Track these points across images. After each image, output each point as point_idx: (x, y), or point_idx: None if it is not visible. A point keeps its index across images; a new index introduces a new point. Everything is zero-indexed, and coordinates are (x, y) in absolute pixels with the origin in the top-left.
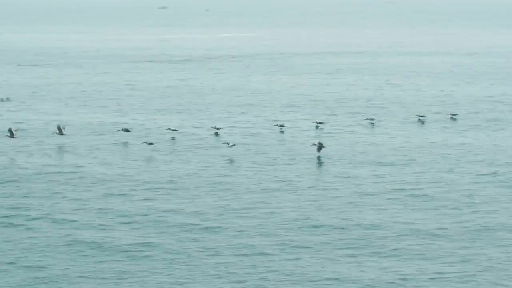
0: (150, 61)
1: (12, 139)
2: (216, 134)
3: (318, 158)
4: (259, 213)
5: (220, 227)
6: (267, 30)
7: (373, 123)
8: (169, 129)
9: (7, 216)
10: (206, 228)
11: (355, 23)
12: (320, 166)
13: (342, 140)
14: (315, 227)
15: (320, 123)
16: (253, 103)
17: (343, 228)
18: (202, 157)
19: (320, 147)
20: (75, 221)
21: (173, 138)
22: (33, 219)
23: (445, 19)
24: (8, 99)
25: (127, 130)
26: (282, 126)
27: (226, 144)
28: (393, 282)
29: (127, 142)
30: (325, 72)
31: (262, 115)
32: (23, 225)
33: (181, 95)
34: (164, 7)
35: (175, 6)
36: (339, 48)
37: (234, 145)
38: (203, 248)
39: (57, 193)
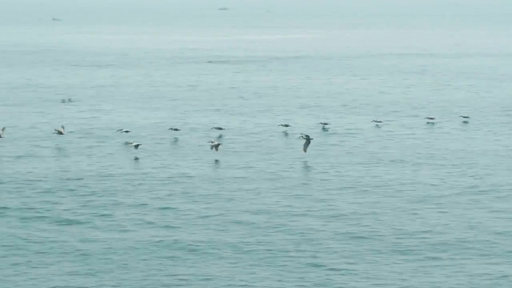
0: (210, 62)
1: (60, 135)
2: (285, 132)
3: (377, 158)
4: (327, 214)
5: (285, 225)
6: (328, 31)
7: (433, 123)
8: (216, 127)
9: (77, 215)
10: (272, 227)
11: (418, 24)
12: (381, 166)
13: (402, 140)
14: (394, 229)
15: (378, 121)
16: (314, 104)
17: (423, 232)
18: (265, 155)
19: (307, 139)
20: (140, 220)
21: (228, 137)
22: (98, 216)
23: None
24: (70, 100)
25: (126, 132)
26: (286, 126)
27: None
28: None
29: (188, 141)
30: (386, 73)
31: (323, 116)
32: (89, 222)
33: (242, 96)
34: (225, 8)
35: (235, 7)
36: (401, 50)
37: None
38: (268, 247)
39: (119, 192)
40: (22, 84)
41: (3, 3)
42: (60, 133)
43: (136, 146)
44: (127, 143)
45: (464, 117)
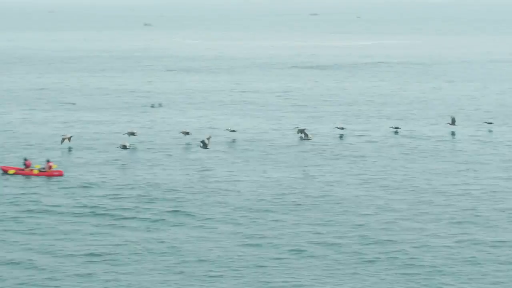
0: (295, 67)
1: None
2: (396, 132)
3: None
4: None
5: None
6: (419, 37)
7: None
8: (301, 129)
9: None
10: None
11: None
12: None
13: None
14: None
15: (489, 123)
16: (405, 110)
17: None
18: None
19: (305, 135)
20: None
21: (340, 137)
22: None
23: None
24: (160, 104)
25: (132, 134)
26: (302, 130)
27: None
28: None
29: (279, 146)
30: (481, 79)
31: (419, 124)
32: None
33: (334, 102)
34: (315, 14)
35: (326, 13)
36: (494, 56)
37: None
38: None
39: (212, 195)
40: (113, 88)
41: (94, 9)
42: (132, 134)
43: (124, 147)
44: (122, 146)
45: None
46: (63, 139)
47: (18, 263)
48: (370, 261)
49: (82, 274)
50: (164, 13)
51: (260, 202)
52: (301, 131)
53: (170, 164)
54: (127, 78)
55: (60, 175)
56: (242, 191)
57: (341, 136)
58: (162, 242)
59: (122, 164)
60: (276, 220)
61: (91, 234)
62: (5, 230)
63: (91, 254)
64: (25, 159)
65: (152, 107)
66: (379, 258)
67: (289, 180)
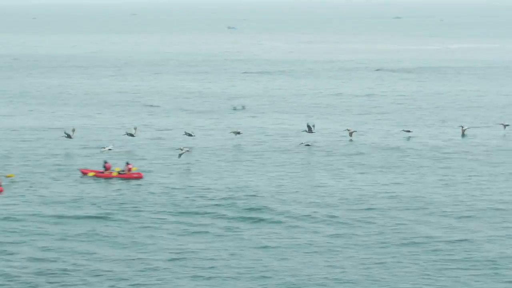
0: (378, 69)
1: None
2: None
3: None
4: None
5: None
6: (504, 41)
7: None
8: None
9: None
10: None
11: None
12: None
13: None
14: None
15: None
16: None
17: None
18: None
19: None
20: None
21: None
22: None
23: None
24: (243, 107)
25: (131, 135)
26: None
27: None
28: None
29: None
30: None
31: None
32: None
33: (417, 105)
34: (399, 17)
35: (409, 16)
36: None
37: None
38: None
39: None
40: (197, 91)
41: (177, 12)
42: (68, 137)
43: (109, 150)
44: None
45: None
46: (103, 150)
47: (101, 264)
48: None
49: (163, 277)
50: (248, 16)
51: (344, 207)
52: (350, 133)
53: (251, 166)
54: (211, 81)
55: (140, 177)
56: (328, 195)
57: (408, 139)
58: (243, 246)
59: (202, 167)
60: (367, 223)
61: (172, 236)
62: (86, 233)
63: (172, 259)
64: (105, 162)
65: (234, 109)
66: None
67: (375, 184)
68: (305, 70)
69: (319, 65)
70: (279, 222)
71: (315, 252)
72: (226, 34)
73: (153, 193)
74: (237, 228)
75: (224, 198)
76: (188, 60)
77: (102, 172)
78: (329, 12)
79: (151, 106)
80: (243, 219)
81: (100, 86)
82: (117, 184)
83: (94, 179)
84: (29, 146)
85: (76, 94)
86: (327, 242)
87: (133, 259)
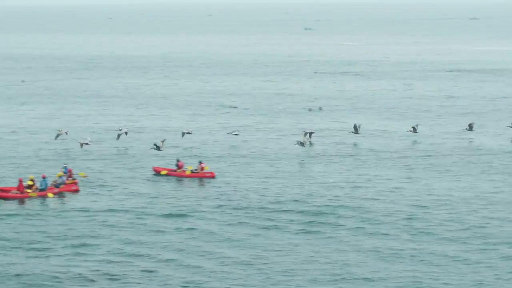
0: (451, 71)
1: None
2: None
3: None
4: None
5: None
6: None
7: None
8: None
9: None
10: None
11: None
12: None
13: None
14: None
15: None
16: None
17: None
18: None
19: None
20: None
21: None
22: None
23: None
24: (320, 108)
25: (158, 148)
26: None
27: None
28: None
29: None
30: None
31: None
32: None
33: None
34: (475, 18)
35: (486, 17)
36: None
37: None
38: None
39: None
40: (274, 92)
41: (251, 13)
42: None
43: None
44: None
45: None
46: (58, 135)
47: (172, 263)
48: None
49: (240, 276)
50: (322, 16)
51: (451, 210)
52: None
53: (326, 166)
54: (289, 82)
55: (212, 176)
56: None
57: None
58: (316, 247)
59: (277, 167)
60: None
61: (246, 237)
62: (161, 231)
63: (249, 259)
64: (178, 160)
65: (310, 110)
66: None
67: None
68: (384, 71)
69: (398, 66)
70: (356, 227)
71: (418, 261)
72: (303, 35)
73: (225, 193)
74: (315, 229)
75: (296, 201)
76: (265, 61)
77: (175, 171)
78: (405, 14)
79: (229, 107)
80: (319, 221)
81: (177, 87)
82: (190, 183)
83: (167, 178)
84: (106, 145)
85: (153, 95)
86: (429, 253)
87: (204, 260)
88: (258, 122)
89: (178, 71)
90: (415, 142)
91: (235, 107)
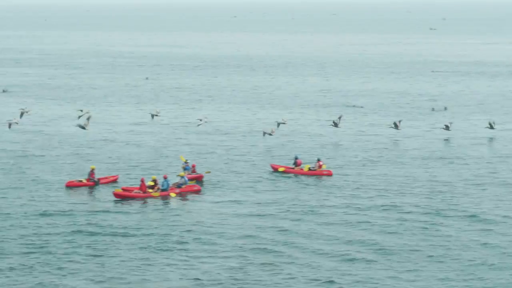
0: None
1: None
2: None
3: None
4: None
5: None
6: None
7: None
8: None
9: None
10: None
11: None
12: None
13: None
14: None
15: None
16: None
17: None
18: None
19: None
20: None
21: None
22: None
23: None
24: (445, 108)
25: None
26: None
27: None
28: None
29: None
30: None
31: None
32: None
33: None
34: None
35: None
36: None
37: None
38: None
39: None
40: (399, 91)
41: (370, 13)
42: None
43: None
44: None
45: None
46: (22, 113)
47: (296, 261)
48: None
49: (365, 273)
50: (446, 15)
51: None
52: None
53: (452, 165)
54: (414, 82)
55: (329, 175)
56: None
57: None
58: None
59: (400, 168)
60: None
61: (369, 233)
62: (285, 228)
63: (373, 256)
64: (296, 158)
65: (433, 110)
66: None
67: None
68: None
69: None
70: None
71: None
72: (428, 34)
73: (342, 191)
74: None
75: (417, 202)
76: (392, 61)
77: (293, 168)
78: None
79: (355, 106)
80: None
81: (303, 85)
82: (307, 180)
83: (284, 175)
84: (229, 144)
85: (280, 94)
86: None
87: (335, 255)
88: (378, 121)
89: (302, 69)
90: None
91: (362, 107)
